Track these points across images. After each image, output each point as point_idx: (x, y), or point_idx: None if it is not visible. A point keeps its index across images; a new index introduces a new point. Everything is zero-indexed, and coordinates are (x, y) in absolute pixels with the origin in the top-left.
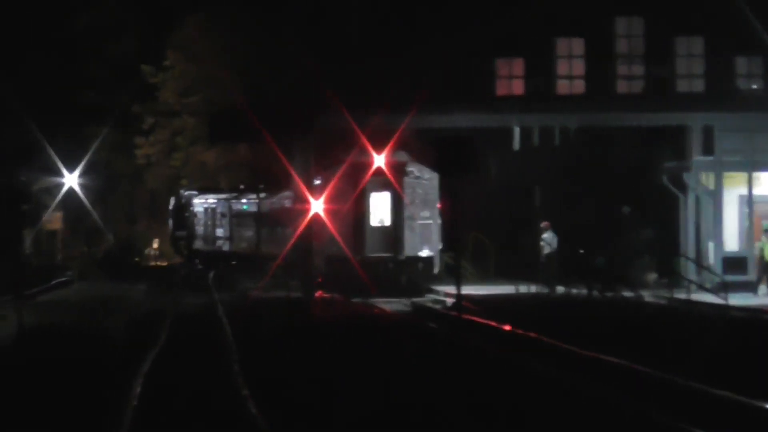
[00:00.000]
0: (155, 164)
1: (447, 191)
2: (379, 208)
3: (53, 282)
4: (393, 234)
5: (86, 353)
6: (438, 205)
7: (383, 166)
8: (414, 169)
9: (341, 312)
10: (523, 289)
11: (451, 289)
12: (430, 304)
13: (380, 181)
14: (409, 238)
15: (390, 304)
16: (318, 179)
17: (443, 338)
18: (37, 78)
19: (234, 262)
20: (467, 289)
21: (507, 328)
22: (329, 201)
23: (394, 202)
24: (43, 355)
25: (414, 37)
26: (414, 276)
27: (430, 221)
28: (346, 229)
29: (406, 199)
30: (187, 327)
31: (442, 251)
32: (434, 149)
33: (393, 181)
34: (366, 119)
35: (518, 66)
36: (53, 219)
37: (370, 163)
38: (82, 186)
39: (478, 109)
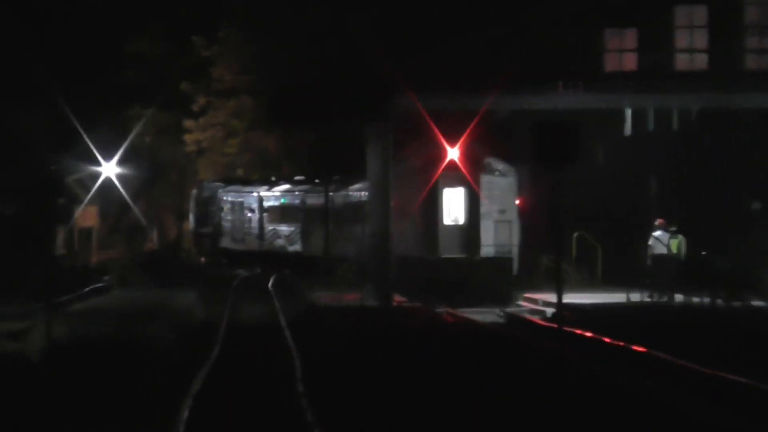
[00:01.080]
0: (208, 151)
1: (543, 184)
2: (453, 206)
3: (88, 288)
4: (468, 233)
5: (123, 373)
6: (517, 202)
7: (457, 160)
8: (491, 162)
9: (425, 324)
10: (635, 297)
11: (551, 297)
12: (527, 315)
13: (454, 176)
14: (485, 238)
15: (479, 314)
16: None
17: (547, 357)
18: (71, 53)
19: (292, 264)
20: (570, 297)
21: (626, 345)
22: (398, 197)
23: (469, 199)
24: (75, 372)
25: (502, 6)
26: (493, 279)
27: (509, 219)
28: (417, 227)
29: (483, 196)
30: (243, 342)
31: (521, 251)
32: (532, 135)
33: (468, 176)
34: (445, 102)
35: (630, 38)
36: (87, 215)
37: (442, 156)
38: (121, 176)
39: (583, 88)
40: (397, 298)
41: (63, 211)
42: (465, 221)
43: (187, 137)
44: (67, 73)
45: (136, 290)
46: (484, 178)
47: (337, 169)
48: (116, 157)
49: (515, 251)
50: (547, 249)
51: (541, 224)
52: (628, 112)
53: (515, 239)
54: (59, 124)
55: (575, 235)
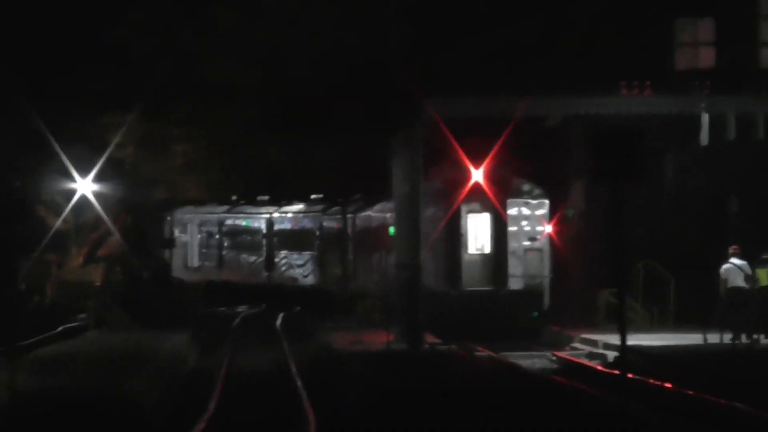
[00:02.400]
0: (199, 164)
1: (599, 203)
2: (478, 233)
3: (59, 329)
4: (494, 264)
5: None
6: (546, 231)
7: (481, 182)
8: (519, 184)
9: (466, 374)
10: (714, 338)
11: (612, 338)
12: (584, 360)
13: (478, 200)
14: (513, 269)
15: (527, 359)
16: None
17: (607, 411)
18: (36, 46)
19: (303, 299)
20: (637, 339)
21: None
22: (402, 226)
23: (495, 226)
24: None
25: None
26: (523, 314)
27: (539, 248)
28: (438, 256)
29: (510, 222)
30: (244, 399)
31: (553, 283)
32: (589, 146)
33: (493, 200)
34: (480, 107)
35: (706, 29)
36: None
37: (466, 178)
38: (99, 195)
39: (649, 89)
40: (429, 338)
41: (29, 237)
42: (491, 250)
43: (176, 148)
44: (32, 71)
45: (115, 331)
46: (512, 203)
47: (356, 188)
48: (93, 173)
49: (546, 283)
50: (599, 281)
51: (586, 253)
52: (705, 118)
53: (545, 270)
54: (23, 132)
55: (641, 264)
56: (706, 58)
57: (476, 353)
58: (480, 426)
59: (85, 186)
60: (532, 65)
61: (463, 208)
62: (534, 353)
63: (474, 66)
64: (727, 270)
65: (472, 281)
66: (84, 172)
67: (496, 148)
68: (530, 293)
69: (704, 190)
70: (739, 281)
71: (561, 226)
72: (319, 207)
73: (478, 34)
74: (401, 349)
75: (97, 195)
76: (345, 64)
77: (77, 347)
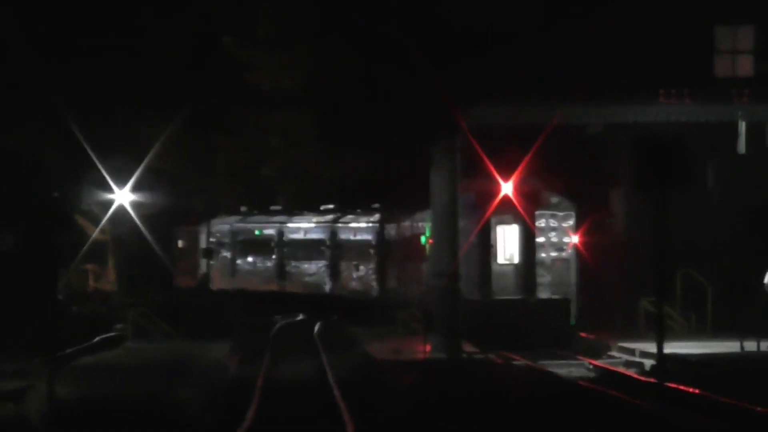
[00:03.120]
0: (241, 174)
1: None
2: (507, 243)
3: (97, 339)
4: (523, 274)
5: None
6: (573, 242)
7: (510, 194)
8: (548, 196)
9: (505, 383)
10: (751, 345)
11: (650, 347)
12: (621, 368)
13: (508, 212)
14: (540, 278)
15: (564, 368)
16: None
17: (645, 420)
18: (76, 57)
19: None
20: (674, 347)
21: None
22: (439, 236)
23: (524, 237)
24: None
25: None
26: (554, 323)
27: (566, 258)
28: (470, 266)
29: (538, 233)
30: (282, 407)
31: (582, 291)
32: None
33: (522, 212)
34: (519, 114)
35: (746, 37)
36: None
37: (496, 190)
38: (136, 205)
39: (688, 96)
40: (467, 348)
41: (69, 248)
42: (520, 260)
43: (220, 157)
44: (73, 83)
45: (154, 341)
46: (540, 214)
47: (395, 197)
48: (130, 183)
49: (574, 292)
50: (638, 289)
51: (624, 262)
52: (743, 126)
53: (573, 280)
54: (63, 142)
55: (680, 273)
56: (745, 65)
57: (514, 362)
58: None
59: (122, 196)
60: (572, 73)
61: (493, 220)
62: (571, 362)
63: (513, 74)
64: None
65: (502, 290)
66: (123, 183)
67: (525, 159)
68: (559, 302)
69: (745, 198)
70: None
71: (594, 236)
72: (377, 217)
73: (517, 42)
74: (440, 358)
75: (135, 205)
76: (389, 69)
77: (117, 357)
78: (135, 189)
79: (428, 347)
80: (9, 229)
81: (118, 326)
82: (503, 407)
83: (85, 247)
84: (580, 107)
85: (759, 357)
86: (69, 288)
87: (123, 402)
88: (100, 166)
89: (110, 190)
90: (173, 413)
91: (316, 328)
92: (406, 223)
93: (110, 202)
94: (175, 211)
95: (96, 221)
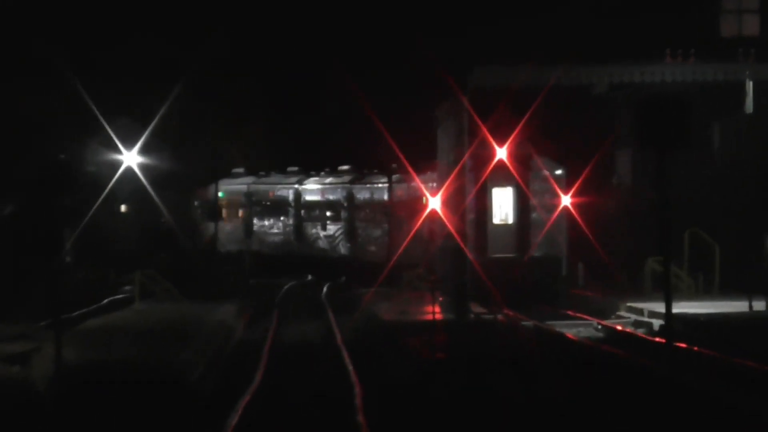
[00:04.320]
0: (244, 135)
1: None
2: (502, 205)
3: (105, 301)
4: (517, 233)
5: (143, 408)
6: (564, 203)
7: (505, 159)
8: (539, 162)
9: (514, 343)
10: (759, 305)
11: (658, 306)
12: (629, 328)
13: (502, 175)
14: (533, 238)
15: (572, 328)
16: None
17: (654, 378)
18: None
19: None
20: (682, 307)
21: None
22: (446, 196)
23: (517, 198)
24: (86, 405)
25: None
26: (551, 281)
27: (558, 219)
28: (467, 227)
29: (531, 196)
30: (289, 369)
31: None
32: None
33: (516, 175)
34: (525, 74)
35: None
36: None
37: (491, 155)
38: (145, 167)
39: (693, 56)
40: (474, 308)
41: (75, 210)
42: (514, 221)
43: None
44: (78, 42)
45: (162, 303)
46: (534, 177)
47: (402, 157)
48: (138, 145)
49: (563, 251)
50: (645, 249)
51: (631, 222)
52: (749, 86)
53: (562, 240)
54: (68, 102)
55: (687, 234)
56: (752, 25)
57: (523, 323)
58: (530, 393)
59: (130, 158)
60: (577, 34)
61: (489, 183)
62: (579, 322)
63: (517, 34)
64: None
65: (497, 248)
66: (130, 144)
67: (521, 124)
68: (549, 260)
69: (751, 159)
70: None
71: (596, 195)
72: (386, 178)
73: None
74: (448, 318)
75: (142, 167)
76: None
77: (124, 319)
78: (143, 151)
79: (437, 308)
80: (12, 197)
81: (126, 288)
82: (520, 372)
83: (92, 210)
84: (584, 67)
85: (766, 316)
86: (77, 251)
87: (127, 366)
88: (107, 128)
89: (118, 152)
90: (178, 375)
91: (324, 289)
92: (414, 184)
93: (118, 164)
94: (185, 173)
95: (104, 184)
